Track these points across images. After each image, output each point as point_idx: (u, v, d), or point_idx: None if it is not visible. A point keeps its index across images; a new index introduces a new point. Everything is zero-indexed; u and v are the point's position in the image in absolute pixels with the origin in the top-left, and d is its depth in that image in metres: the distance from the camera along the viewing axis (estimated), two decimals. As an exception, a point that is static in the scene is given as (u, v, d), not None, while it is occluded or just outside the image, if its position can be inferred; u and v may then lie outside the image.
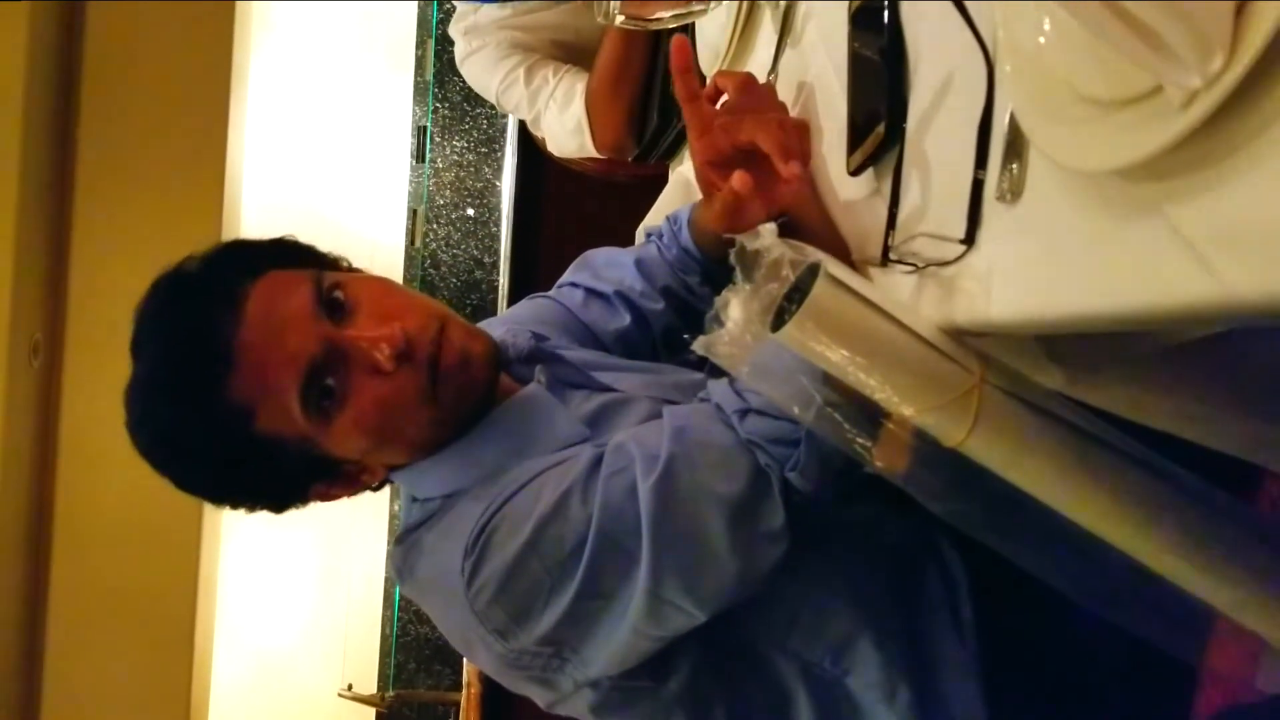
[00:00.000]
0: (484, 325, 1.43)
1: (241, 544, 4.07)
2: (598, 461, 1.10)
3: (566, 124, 2.39)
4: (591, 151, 2.41)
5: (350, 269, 1.26)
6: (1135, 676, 1.14)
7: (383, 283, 1.20)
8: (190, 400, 1.10)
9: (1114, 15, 0.57)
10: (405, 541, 1.22)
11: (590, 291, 1.50)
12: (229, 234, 3.85)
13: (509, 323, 1.45)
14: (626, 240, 1.63)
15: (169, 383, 1.12)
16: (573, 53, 2.48)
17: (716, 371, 0.99)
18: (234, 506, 1.22)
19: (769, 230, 0.91)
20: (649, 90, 2.26)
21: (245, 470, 1.14)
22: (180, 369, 1.11)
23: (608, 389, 1.28)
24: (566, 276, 1.56)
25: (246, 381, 1.08)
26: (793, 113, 1.31)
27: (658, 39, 2.22)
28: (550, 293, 1.54)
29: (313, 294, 1.12)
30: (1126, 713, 1.17)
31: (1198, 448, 0.91)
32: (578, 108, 2.35)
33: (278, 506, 1.22)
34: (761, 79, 1.43)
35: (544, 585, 1.07)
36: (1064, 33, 0.69)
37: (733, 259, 0.91)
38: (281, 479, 1.17)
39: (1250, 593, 0.86)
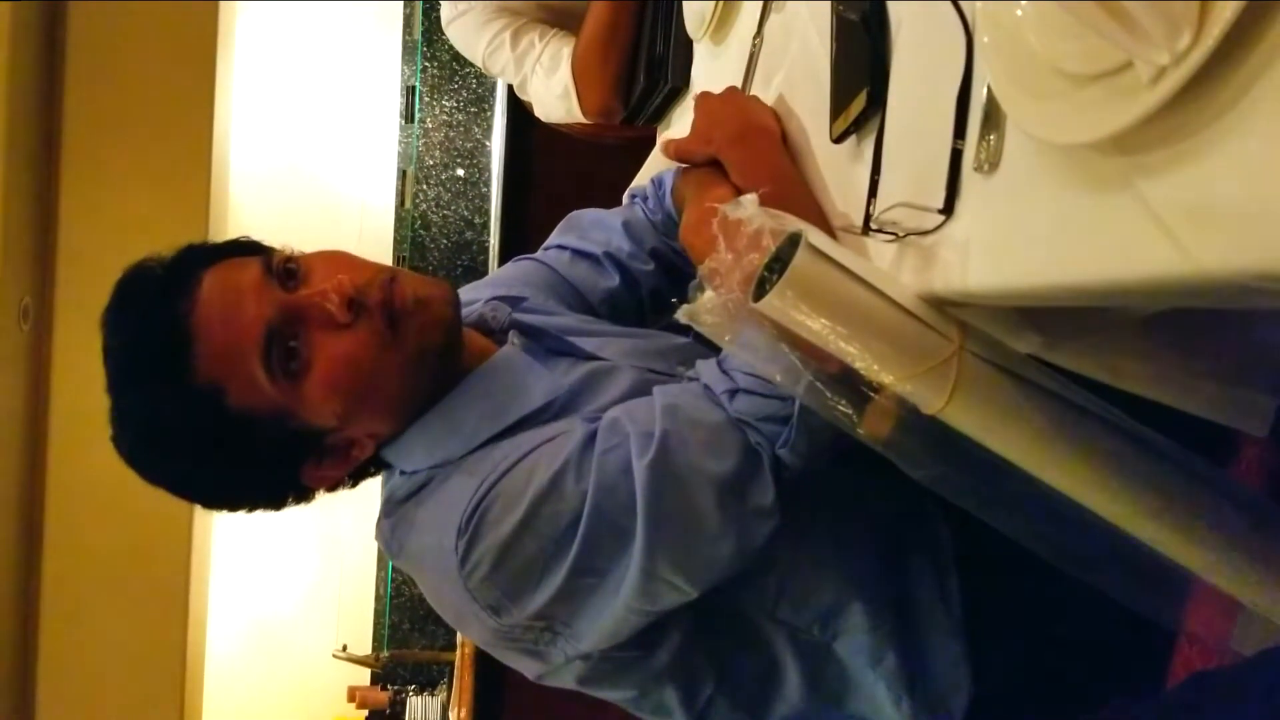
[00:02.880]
0: (468, 289, 1.44)
1: (235, 507, 4.08)
2: (592, 438, 1.10)
3: (553, 89, 2.38)
4: (579, 117, 2.40)
5: None
6: (1116, 638, 1.15)
7: (333, 251, 1.20)
8: (159, 388, 1.10)
9: (1086, -9, 0.57)
10: (393, 515, 1.21)
11: (577, 253, 1.50)
12: (217, 197, 3.84)
13: (493, 285, 1.45)
14: (618, 201, 1.63)
15: (135, 372, 1.13)
16: (559, 16, 2.47)
17: (702, 336, 1.00)
18: (233, 506, 1.23)
19: (750, 200, 0.91)
20: (636, 53, 2.24)
21: (230, 455, 1.14)
22: (143, 356, 1.11)
23: (592, 357, 1.28)
24: (552, 239, 1.56)
25: (209, 358, 1.08)
26: (775, 79, 1.31)
27: (644, 1, 2.21)
28: (536, 255, 1.54)
29: (263, 267, 1.13)
30: (1108, 674, 1.19)
31: (1176, 413, 0.93)
32: (564, 73, 2.34)
33: (274, 497, 1.22)
34: (746, 43, 1.44)
35: (538, 562, 1.08)
36: (1040, 7, 0.69)
37: (715, 229, 0.92)
38: (267, 459, 1.16)
39: (1224, 556, 0.87)
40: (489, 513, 1.09)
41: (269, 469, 1.19)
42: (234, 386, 1.09)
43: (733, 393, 1.09)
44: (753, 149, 1.22)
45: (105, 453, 1.16)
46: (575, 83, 2.33)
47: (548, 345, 1.28)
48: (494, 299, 1.37)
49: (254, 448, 1.14)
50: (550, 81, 2.38)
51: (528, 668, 1.20)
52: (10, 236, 3.46)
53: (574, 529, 1.06)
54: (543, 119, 2.62)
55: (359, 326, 1.12)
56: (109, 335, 1.14)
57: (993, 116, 0.79)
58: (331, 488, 1.25)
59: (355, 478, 1.27)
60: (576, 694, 1.24)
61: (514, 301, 1.37)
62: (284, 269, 1.14)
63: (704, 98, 1.34)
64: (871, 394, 0.89)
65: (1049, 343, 0.90)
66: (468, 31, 2.47)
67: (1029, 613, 1.20)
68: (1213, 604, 0.94)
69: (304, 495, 1.23)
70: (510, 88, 3.03)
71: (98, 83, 3.74)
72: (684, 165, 1.35)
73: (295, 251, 1.22)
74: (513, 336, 1.26)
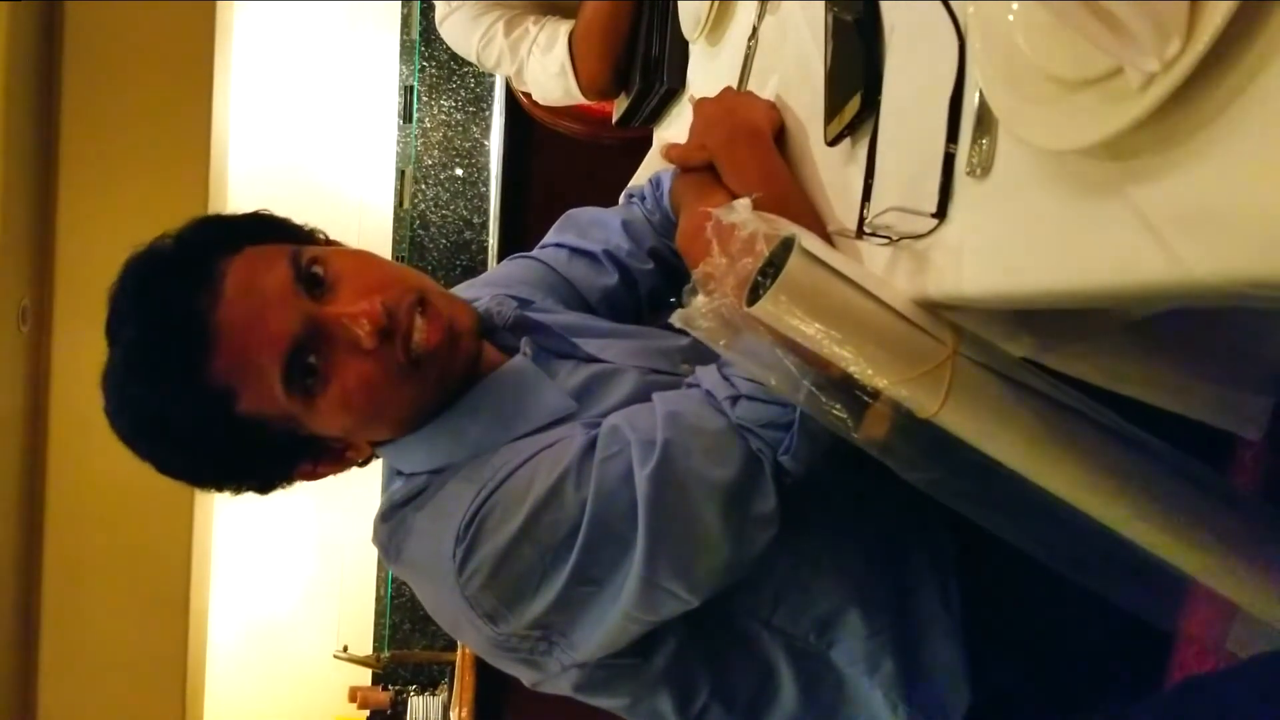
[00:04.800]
0: (465, 286, 1.43)
1: (235, 509, 4.08)
2: (591, 445, 1.09)
3: (549, 67, 2.37)
4: (577, 96, 2.39)
5: (328, 241, 1.25)
6: (1113, 641, 1.15)
7: (361, 255, 1.19)
8: (170, 384, 1.08)
9: (1076, -2, 0.58)
10: (391, 519, 1.21)
11: (576, 250, 1.49)
12: (215, 198, 3.84)
13: (492, 285, 1.44)
14: (615, 201, 1.63)
15: (147, 366, 1.10)
16: (554, 8, 2.47)
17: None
18: (219, 489, 1.21)
19: (744, 205, 0.91)
20: (632, 54, 2.24)
21: (229, 452, 1.13)
22: (158, 352, 1.09)
23: (594, 359, 1.28)
24: (550, 237, 1.55)
25: (227, 363, 1.06)
26: (771, 81, 1.31)
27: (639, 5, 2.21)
28: (533, 253, 1.54)
29: (291, 270, 1.10)
30: (1106, 677, 1.19)
31: (1171, 416, 0.93)
32: (560, 50, 2.33)
33: (263, 487, 1.22)
34: (742, 45, 1.44)
35: (536, 571, 1.07)
36: (1031, 12, 0.69)
37: (709, 233, 0.92)
38: (266, 459, 1.16)
39: (1220, 558, 0.87)
40: (488, 520, 1.08)
41: (265, 466, 1.19)
42: (247, 393, 1.08)
43: (734, 399, 1.09)
44: (744, 151, 1.22)
45: (105, 455, 1.16)
46: (572, 58, 2.32)
47: (550, 346, 1.27)
48: (502, 295, 1.36)
49: (255, 448, 1.14)
50: (546, 60, 2.36)
51: (524, 675, 1.19)
52: (9, 238, 3.46)
53: (573, 537, 1.06)
54: (540, 101, 2.61)
55: (381, 353, 1.10)
56: (120, 319, 1.12)
57: (985, 121, 0.79)
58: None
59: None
60: (581, 698, 1.24)
61: (522, 303, 1.36)
62: (310, 274, 1.12)
63: (700, 102, 1.34)
64: (866, 398, 0.89)
65: (1043, 346, 0.90)
66: (460, 27, 2.46)
67: (1028, 617, 1.20)
68: (1209, 606, 0.94)
69: (290, 483, 1.23)
70: (509, 88, 3.02)
71: (96, 84, 3.73)
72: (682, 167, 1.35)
73: (321, 236, 1.22)
74: (525, 345, 1.25)
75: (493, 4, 2.44)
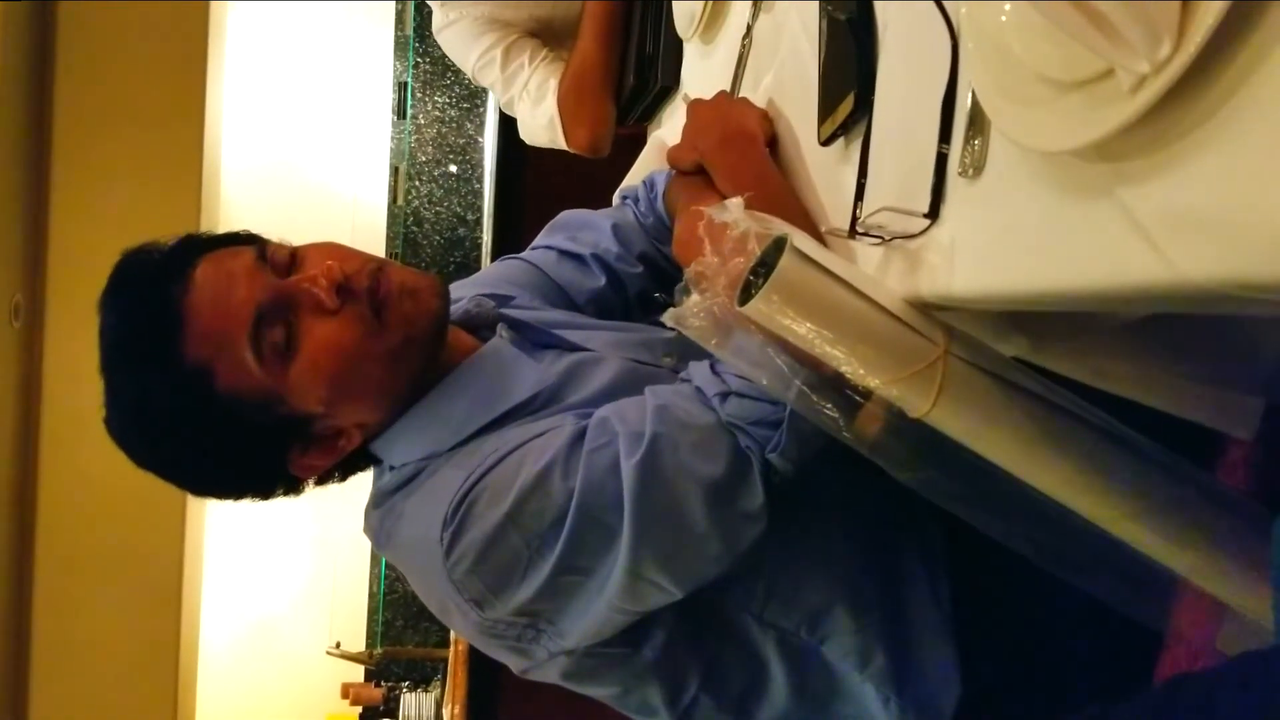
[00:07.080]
0: (452, 288, 1.44)
1: (228, 506, 4.07)
2: (580, 435, 1.10)
3: (539, 119, 2.37)
4: (564, 147, 2.40)
5: None
6: (1104, 639, 1.16)
7: (326, 242, 1.22)
8: (149, 368, 1.11)
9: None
10: (382, 506, 1.22)
11: (564, 253, 1.50)
12: (209, 194, 3.84)
13: (475, 285, 1.45)
14: (609, 198, 1.63)
15: (128, 355, 1.14)
16: (549, 28, 2.45)
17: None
18: (221, 494, 1.24)
19: (736, 204, 0.91)
20: (625, 53, 2.24)
21: (216, 439, 1.15)
22: (135, 339, 1.13)
23: (578, 348, 1.28)
24: (540, 240, 1.56)
25: (199, 339, 1.09)
26: (765, 80, 1.31)
27: (630, 6, 2.21)
28: (523, 255, 1.55)
29: (256, 255, 1.15)
30: (1096, 674, 1.19)
31: (1161, 415, 0.93)
32: (550, 105, 2.33)
33: (261, 485, 1.23)
34: (736, 44, 1.44)
35: (522, 557, 1.08)
36: (1023, 13, 0.69)
37: (701, 233, 0.92)
38: (253, 445, 1.17)
39: (1209, 558, 0.87)
40: (475, 506, 1.09)
41: (254, 455, 1.19)
42: (222, 368, 1.10)
43: (724, 395, 1.09)
44: (736, 154, 1.23)
45: (98, 451, 1.17)
46: (561, 118, 2.32)
47: (534, 338, 1.28)
48: (480, 295, 1.37)
49: (240, 432, 1.15)
50: (536, 112, 2.37)
51: (512, 662, 1.20)
52: (1, 234, 3.46)
53: (559, 526, 1.06)
54: (527, 142, 2.60)
55: (345, 312, 1.13)
56: (104, 315, 1.15)
57: (977, 121, 0.79)
58: (320, 481, 1.25)
59: (344, 472, 1.27)
60: (571, 691, 1.24)
61: (502, 300, 1.37)
62: (277, 257, 1.15)
63: (694, 105, 1.35)
64: (857, 397, 0.89)
65: (1035, 345, 0.90)
66: (459, 42, 2.45)
67: (1019, 613, 1.21)
68: (1199, 605, 0.94)
69: (292, 486, 1.24)
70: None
71: (89, 80, 3.73)
72: (676, 170, 1.36)
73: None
74: (501, 329, 1.26)
75: (491, 25, 2.43)
